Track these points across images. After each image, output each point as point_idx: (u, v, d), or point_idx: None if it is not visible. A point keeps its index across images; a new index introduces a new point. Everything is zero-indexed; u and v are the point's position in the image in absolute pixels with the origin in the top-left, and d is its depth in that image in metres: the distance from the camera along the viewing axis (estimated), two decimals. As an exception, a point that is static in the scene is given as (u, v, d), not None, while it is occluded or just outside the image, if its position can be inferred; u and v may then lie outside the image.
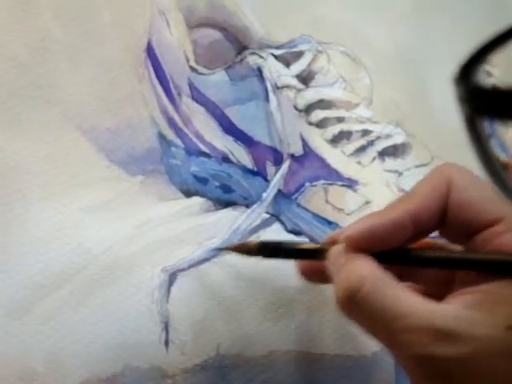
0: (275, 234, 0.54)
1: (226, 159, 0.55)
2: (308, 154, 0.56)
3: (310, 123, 0.57)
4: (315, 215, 0.55)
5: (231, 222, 0.53)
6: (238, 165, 0.55)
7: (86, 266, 0.49)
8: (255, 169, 0.55)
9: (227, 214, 0.54)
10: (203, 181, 0.55)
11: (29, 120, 0.50)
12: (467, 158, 0.60)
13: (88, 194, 0.51)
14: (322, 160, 0.56)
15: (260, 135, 0.56)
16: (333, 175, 0.56)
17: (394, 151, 0.58)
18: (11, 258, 0.47)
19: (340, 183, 0.56)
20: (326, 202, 0.56)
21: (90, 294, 0.49)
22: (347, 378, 0.52)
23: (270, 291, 0.52)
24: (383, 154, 0.58)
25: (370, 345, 0.52)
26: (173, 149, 0.55)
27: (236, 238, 0.53)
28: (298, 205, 0.55)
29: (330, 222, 0.55)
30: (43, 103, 0.51)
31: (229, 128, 0.56)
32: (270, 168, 0.55)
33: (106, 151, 0.52)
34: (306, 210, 0.55)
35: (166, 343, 0.49)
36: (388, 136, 0.58)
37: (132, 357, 0.48)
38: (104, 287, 0.49)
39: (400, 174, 0.58)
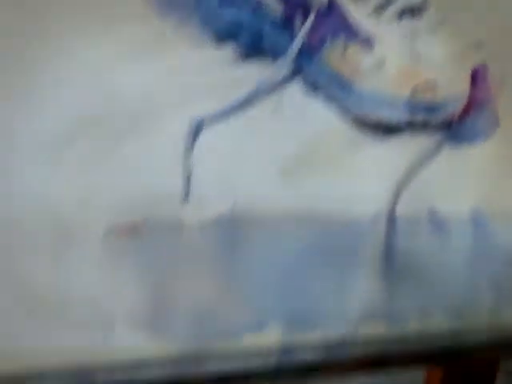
0: (295, 89, 0.56)
1: (257, 10, 0.55)
2: (331, 9, 0.56)
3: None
4: (333, 72, 0.57)
5: (258, 74, 0.54)
6: (268, 16, 0.55)
7: (116, 112, 0.50)
8: (284, 21, 0.55)
9: (255, 66, 0.55)
10: (234, 30, 0.55)
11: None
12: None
13: (121, 38, 0.50)
14: (343, 16, 0.57)
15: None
16: (352, 32, 0.57)
17: (412, 11, 0.59)
18: (43, 100, 0.48)
19: (358, 40, 0.57)
20: (344, 59, 0.57)
21: (118, 142, 0.50)
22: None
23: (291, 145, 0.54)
24: (402, 13, 0.59)
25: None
26: (208, -4, 0.54)
27: (262, 89, 0.54)
28: (319, 61, 0.56)
29: (346, 79, 0.57)
30: None
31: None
32: (297, 22, 0.56)
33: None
34: (326, 66, 0.56)
35: (187, 196, 0.51)
36: (408, -4, 0.59)
37: (153, 208, 0.50)
38: (133, 134, 0.50)
39: (416, 34, 0.59)
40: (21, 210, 0.49)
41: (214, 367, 0.53)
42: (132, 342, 0.50)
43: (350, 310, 0.56)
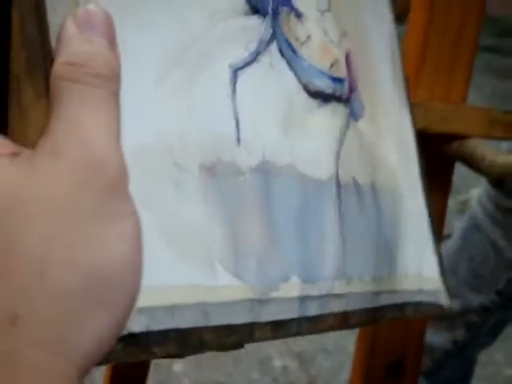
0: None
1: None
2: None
3: None
4: (287, 40, 0.60)
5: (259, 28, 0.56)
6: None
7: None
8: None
9: (255, 20, 0.56)
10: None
11: None
12: None
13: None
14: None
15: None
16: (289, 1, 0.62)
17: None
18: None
19: (293, 10, 0.62)
20: (289, 27, 0.61)
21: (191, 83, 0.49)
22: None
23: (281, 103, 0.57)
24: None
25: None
26: None
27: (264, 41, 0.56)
28: (278, 26, 0.59)
29: (295, 48, 0.61)
30: None
31: None
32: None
33: None
34: (282, 32, 0.60)
35: (238, 140, 0.51)
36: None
37: (223, 149, 0.50)
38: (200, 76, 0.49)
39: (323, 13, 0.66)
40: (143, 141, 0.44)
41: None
42: (224, 282, 0.49)
43: (328, 270, 0.59)
